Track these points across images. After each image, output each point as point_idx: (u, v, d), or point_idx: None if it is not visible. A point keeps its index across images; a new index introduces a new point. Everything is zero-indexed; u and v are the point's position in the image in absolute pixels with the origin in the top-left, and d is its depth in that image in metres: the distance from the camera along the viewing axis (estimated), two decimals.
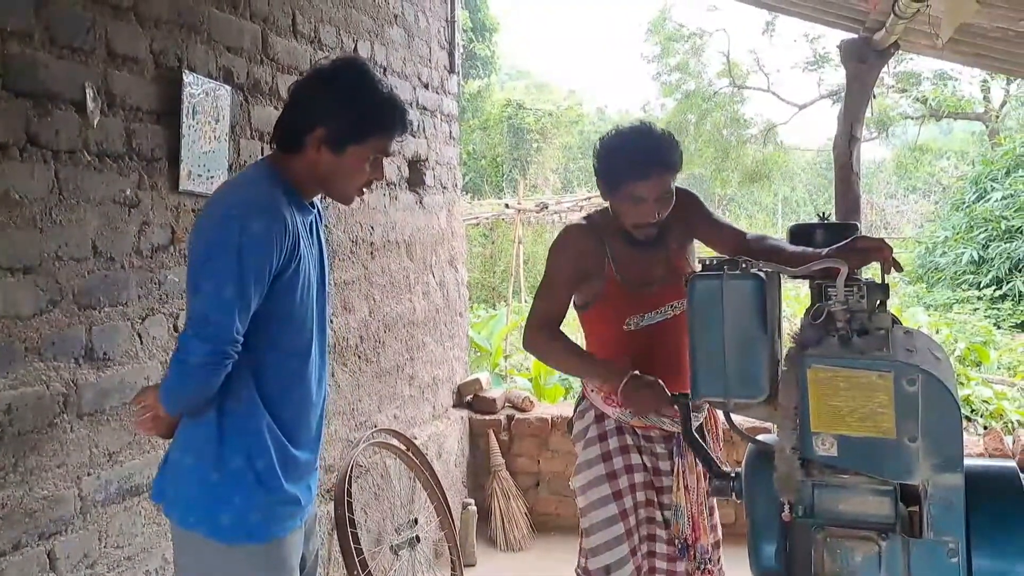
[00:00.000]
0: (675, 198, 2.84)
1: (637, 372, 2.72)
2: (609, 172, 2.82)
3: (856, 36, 4.69)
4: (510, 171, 24.99)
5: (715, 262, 2.18)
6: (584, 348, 2.96)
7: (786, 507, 2.04)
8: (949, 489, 1.91)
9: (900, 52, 5.36)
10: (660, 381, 2.71)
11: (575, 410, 3.09)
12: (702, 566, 2.94)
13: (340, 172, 2.17)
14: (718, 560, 3.01)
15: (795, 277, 2.28)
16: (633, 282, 2.86)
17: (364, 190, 2.27)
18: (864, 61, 4.57)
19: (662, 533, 2.93)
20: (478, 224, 15.49)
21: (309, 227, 2.21)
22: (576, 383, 7.57)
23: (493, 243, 16.43)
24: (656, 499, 2.93)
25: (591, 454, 2.94)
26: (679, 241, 2.96)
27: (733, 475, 2.32)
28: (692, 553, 2.92)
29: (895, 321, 2.08)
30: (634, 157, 2.76)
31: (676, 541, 2.91)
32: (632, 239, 2.87)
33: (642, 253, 2.89)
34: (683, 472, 2.92)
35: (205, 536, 2.08)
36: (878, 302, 2.08)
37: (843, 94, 5.02)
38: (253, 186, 2.11)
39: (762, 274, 2.10)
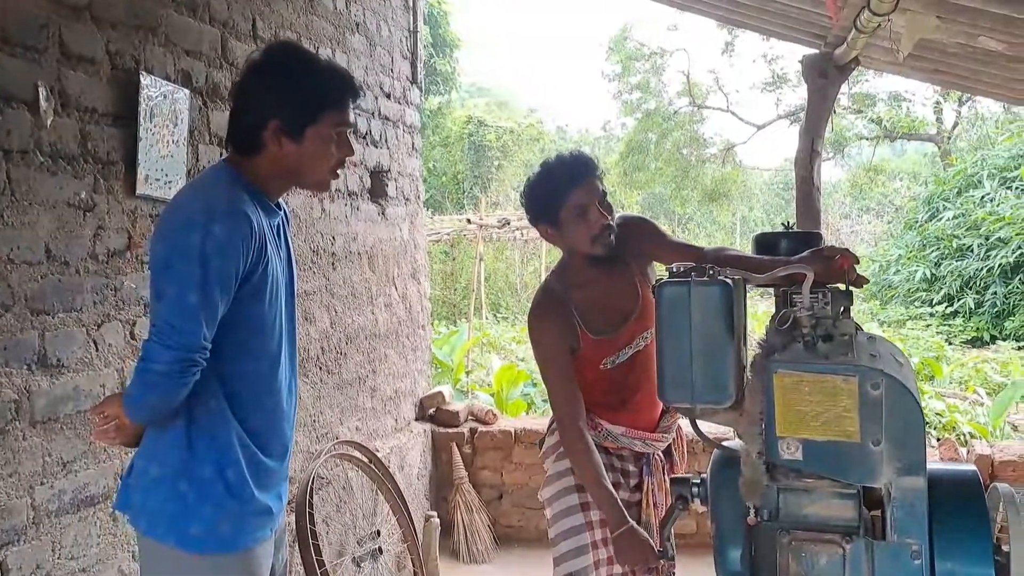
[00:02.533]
0: (628, 225, 2.91)
1: (634, 525, 2.77)
2: (545, 200, 2.86)
3: (817, 52, 4.74)
4: (471, 188, 25.03)
5: (682, 269, 2.18)
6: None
7: (751, 512, 2.04)
8: (912, 492, 1.92)
9: (860, 68, 5.43)
10: (645, 541, 2.77)
11: (548, 427, 3.11)
12: None
13: (306, 159, 2.10)
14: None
15: (760, 285, 2.29)
16: (604, 330, 2.91)
17: (338, 171, 2.20)
18: (825, 76, 4.62)
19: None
20: (439, 240, 15.47)
21: (276, 230, 2.16)
22: (538, 399, 7.57)
23: (454, 260, 16.43)
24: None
25: (561, 467, 2.97)
26: (641, 268, 3.00)
27: (698, 481, 2.31)
28: (660, 569, 2.96)
29: (858, 328, 2.09)
30: (559, 173, 2.83)
31: None
32: (594, 275, 2.91)
33: (607, 292, 2.93)
34: (652, 490, 2.99)
35: (174, 546, 2.02)
36: (842, 308, 2.10)
37: (802, 113, 5.07)
38: (215, 189, 2.05)
39: (729, 281, 2.10)
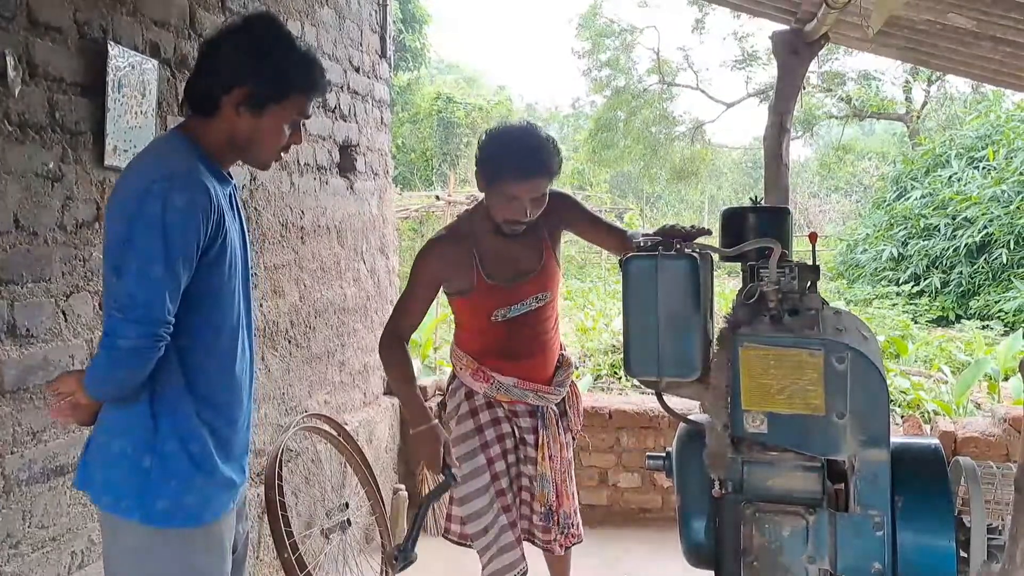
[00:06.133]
0: (552, 197, 2.99)
1: (436, 423, 3.00)
2: (489, 165, 2.94)
3: (788, 28, 4.76)
4: (440, 165, 24.95)
5: (649, 244, 2.20)
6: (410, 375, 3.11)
7: (716, 484, 2.08)
8: (875, 464, 1.96)
9: (831, 46, 5.46)
10: (447, 443, 3.00)
11: (447, 388, 3.28)
12: (566, 530, 3.20)
13: (259, 135, 2.06)
14: (577, 525, 3.26)
15: (727, 259, 2.31)
16: (501, 277, 3.02)
17: (282, 154, 2.17)
18: (795, 53, 4.63)
19: (531, 500, 3.17)
20: (408, 217, 15.43)
21: (229, 199, 2.11)
22: None
23: (423, 236, 16.40)
24: (523, 468, 3.16)
25: (465, 428, 3.12)
26: (552, 235, 3.13)
27: (663, 455, 2.35)
28: (556, 519, 3.17)
29: (824, 302, 2.12)
30: (515, 157, 2.87)
31: (541, 508, 3.15)
32: (502, 231, 3.00)
33: (512, 247, 3.04)
34: (547, 443, 3.15)
35: (138, 522, 2.00)
36: (809, 283, 2.13)
37: (772, 91, 5.09)
38: (172, 157, 1.99)
39: (696, 255, 2.13)
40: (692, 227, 2.53)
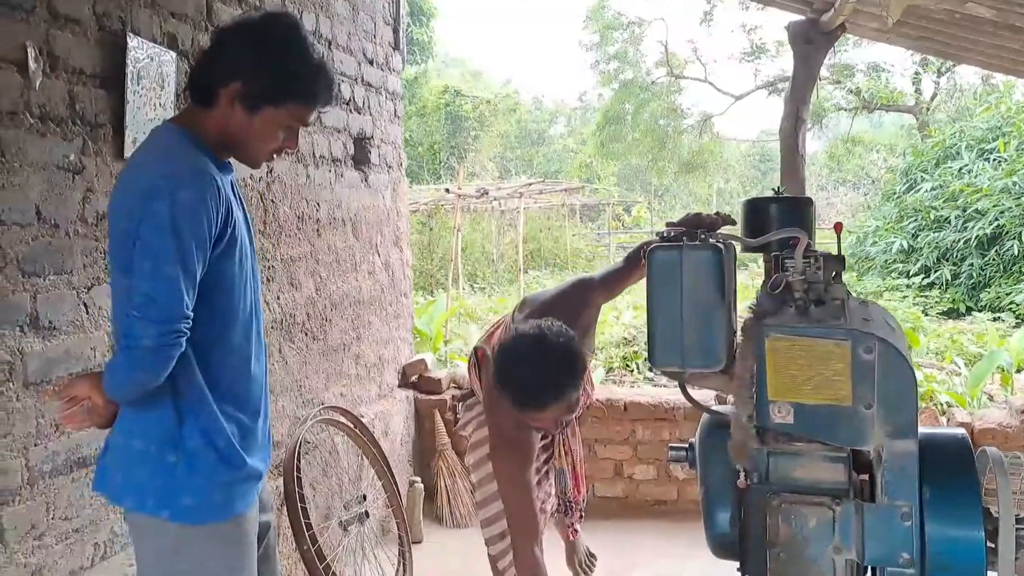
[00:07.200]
0: (576, 298, 2.92)
1: None
2: (508, 396, 2.66)
3: (803, 18, 4.73)
4: (447, 159, 24.93)
5: (673, 234, 2.19)
6: None
7: (741, 475, 2.06)
8: (903, 455, 1.94)
9: (846, 35, 5.42)
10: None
11: (463, 402, 3.31)
12: (581, 516, 3.38)
13: (250, 134, 2.04)
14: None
15: (750, 249, 2.30)
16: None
17: (274, 156, 2.15)
18: (811, 43, 4.61)
19: (552, 492, 3.23)
20: (416, 211, 15.43)
21: (231, 188, 2.09)
22: None
23: (431, 230, 16.39)
24: (544, 468, 3.19)
25: (481, 435, 3.14)
26: (587, 343, 2.99)
27: (686, 446, 2.34)
28: (574, 507, 3.29)
29: (849, 293, 2.11)
30: (528, 393, 2.61)
31: (559, 499, 3.24)
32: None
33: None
34: (565, 439, 3.22)
35: (167, 519, 1.99)
36: (834, 273, 2.11)
37: (780, 83, 5.07)
38: (175, 152, 1.97)
39: (721, 245, 2.12)
40: (717, 214, 2.51)
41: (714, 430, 2.21)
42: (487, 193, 13.55)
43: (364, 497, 4.11)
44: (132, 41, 2.83)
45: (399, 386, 5.24)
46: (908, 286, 13.27)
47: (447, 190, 12.73)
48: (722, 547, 2.18)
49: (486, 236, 18.02)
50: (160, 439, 1.99)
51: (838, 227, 2.27)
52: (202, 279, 1.95)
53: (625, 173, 32.28)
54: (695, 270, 2.08)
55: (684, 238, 2.12)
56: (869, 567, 2.01)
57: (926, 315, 11.45)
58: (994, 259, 12.90)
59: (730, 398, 2.12)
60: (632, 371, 6.88)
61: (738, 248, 2.27)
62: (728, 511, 2.15)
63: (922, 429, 2.02)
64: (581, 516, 3.39)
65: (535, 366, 2.57)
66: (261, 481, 2.18)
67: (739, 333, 2.14)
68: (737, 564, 2.15)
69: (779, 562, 2.02)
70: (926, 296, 12.81)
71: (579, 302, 2.93)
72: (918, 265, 13.84)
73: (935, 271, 13.50)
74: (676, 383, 2.17)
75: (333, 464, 4.02)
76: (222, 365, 2.06)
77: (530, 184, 15.58)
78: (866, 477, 2.06)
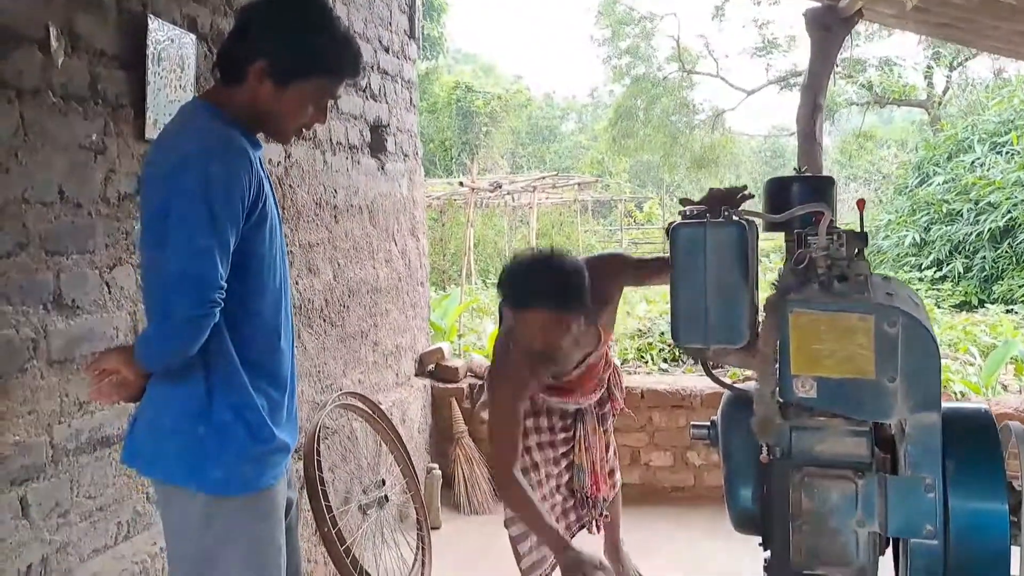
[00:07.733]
0: (600, 269, 2.86)
1: (570, 546, 2.81)
2: (501, 293, 2.78)
3: (820, 5, 4.72)
4: (459, 154, 24.95)
5: (695, 212, 2.19)
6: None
7: (764, 450, 2.07)
8: (926, 428, 1.94)
9: (853, 32, 5.41)
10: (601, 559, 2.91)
11: (483, 399, 3.37)
12: (602, 514, 3.34)
13: (280, 108, 2.05)
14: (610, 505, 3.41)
15: (773, 228, 2.31)
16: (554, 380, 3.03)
17: (303, 130, 2.17)
18: (828, 29, 4.59)
19: (561, 483, 3.25)
20: (429, 206, 15.44)
21: (260, 164, 2.10)
22: None
23: (443, 225, 16.39)
24: (563, 460, 3.23)
25: None
26: (605, 309, 2.99)
27: (709, 423, 2.34)
28: (593, 503, 3.27)
29: (871, 270, 2.11)
30: (515, 289, 2.72)
31: (578, 494, 3.24)
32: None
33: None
34: (585, 435, 3.21)
35: (196, 490, 2.00)
36: (856, 250, 2.12)
37: (793, 78, 5.07)
38: (207, 126, 1.98)
39: (744, 222, 2.12)
40: (732, 188, 2.50)
41: (736, 407, 2.22)
42: (500, 187, 13.55)
43: (383, 482, 4.12)
44: (152, 23, 2.84)
45: (416, 374, 5.25)
46: (920, 279, 13.24)
47: (460, 183, 12.73)
48: (744, 522, 2.19)
49: (499, 232, 18.03)
50: (190, 413, 2.00)
51: (860, 203, 2.27)
52: (235, 253, 1.96)
53: (637, 169, 32.26)
54: (719, 247, 2.08)
55: (707, 215, 2.13)
56: (890, 540, 2.01)
57: (939, 308, 11.41)
58: (1007, 252, 12.85)
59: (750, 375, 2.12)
60: (647, 362, 6.88)
61: (760, 225, 2.27)
62: (750, 487, 2.16)
63: (944, 404, 2.02)
64: (603, 514, 3.34)
65: (531, 268, 2.71)
66: (289, 455, 2.19)
67: (761, 310, 2.14)
68: (759, 539, 2.16)
69: (802, 535, 2.02)
70: (939, 289, 12.78)
71: (607, 271, 2.93)
72: (930, 258, 13.81)
73: (947, 264, 13.47)
74: (688, 370, 2.18)
75: (352, 449, 4.04)
76: (252, 339, 2.06)
77: (543, 177, 15.58)
78: (887, 455, 2.06)
